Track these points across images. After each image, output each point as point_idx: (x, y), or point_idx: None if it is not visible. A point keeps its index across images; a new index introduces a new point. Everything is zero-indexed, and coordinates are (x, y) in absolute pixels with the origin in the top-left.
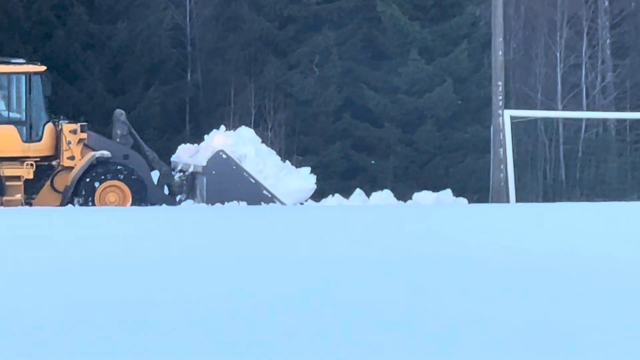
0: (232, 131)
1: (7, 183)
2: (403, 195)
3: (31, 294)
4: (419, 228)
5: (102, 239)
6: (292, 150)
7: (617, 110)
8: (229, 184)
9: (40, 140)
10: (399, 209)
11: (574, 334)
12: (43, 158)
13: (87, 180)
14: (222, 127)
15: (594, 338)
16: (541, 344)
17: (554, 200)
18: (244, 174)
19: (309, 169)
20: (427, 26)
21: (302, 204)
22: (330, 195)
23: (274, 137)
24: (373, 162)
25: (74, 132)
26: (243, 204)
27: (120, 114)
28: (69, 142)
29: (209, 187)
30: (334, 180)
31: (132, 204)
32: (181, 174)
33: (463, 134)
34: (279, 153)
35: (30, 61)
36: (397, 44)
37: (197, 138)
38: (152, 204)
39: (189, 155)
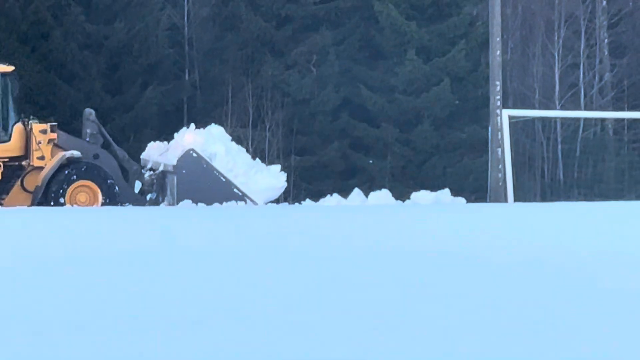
0: (202, 129)
1: None
2: (401, 194)
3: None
4: (417, 227)
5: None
6: (289, 150)
7: (615, 109)
8: (200, 183)
9: (8, 140)
10: (397, 208)
11: (571, 332)
12: (12, 158)
13: (58, 180)
14: (192, 125)
15: (592, 337)
16: (539, 343)
17: (551, 200)
18: (215, 172)
19: (279, 166)
20: (424, 26)
21: (273, 202)
22: (329, 195)
23: (272, 137)
24: (371, 161)
25: (44, 132)
26: (217, 203)
27: (89, 113)
28: (39, 142)
29: (180, 186)
30: (332, 179)
31: (103, 204)
32: (151, 172)
33: (460, 133)
34: (277, 153)
35: None
36: (394, 44)
37: None
38: (122, 204)
39: (158, 154)
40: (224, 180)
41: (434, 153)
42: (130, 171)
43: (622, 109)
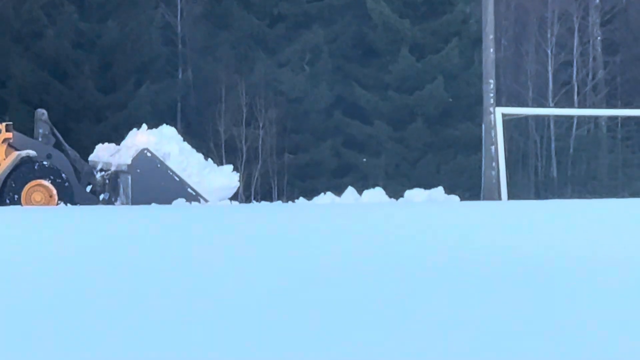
0: (154, 129)
1: None
2: (395, 192)
3: None
4: (410, 226)
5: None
6: (283, 148)
7: (608, 107)
8: (154, 182)
9: None
10: (391, 206)
11: (565, 330)
12: None
13: (13, 179)
14: (144, 126)
15: (586, 335)
16: (533, 342)
17: (545, 198)
18: (169, 172)
19: (231, 166)
20: (417, 23)
21: (228, 200)
22: (322, 193)
23: (265, 135)
24: (364, 159)
25: None
26: (170, 203)
27: (42, 113)
28: None
29: (134, 186)
30: (326, 178)
31: (58, 204)
32: (103, 172)
33: (454, 131)
34: (270, 151)
35: None
36: (387, 42)
37: (188, 136)
38: (76, 204)
39: (109, 154)
40: (177, 179)
41: (428, 151)
42: (82, 171)
43: (615, 107)
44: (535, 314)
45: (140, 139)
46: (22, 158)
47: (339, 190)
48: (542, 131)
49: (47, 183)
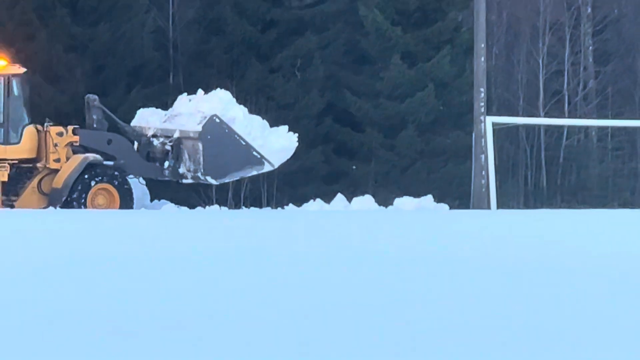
0: (209, 94)
1: None
2: (384, 200)
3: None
4: (399, 233)
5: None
6: None
7: (599, 117)
8: (222, 148)
9: (18, 142)
10: (380, 214)
11: (551, 340)
12: (23, 160)
13: (81, 182)
14: (200, 91)
15: (572, 346)
16: (519, 351)
17: (534, 207)
18: (235, 136)
19: (286, 127)
20: (409, 31)
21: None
22: (312, 200)
23: None
24: (354, 166)
25: (60, 134)
26: (239, 169)
27: (93, 99)
28: (56, 145)
29: (206, 152)
30: (315, 184)
31: (120, 207)
32: (162, 139)
33: (444, 139)
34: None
35: (11, 63)
36: (379, 49)
37: None
38: (142, 177)
39: (161, 120)
40: (244, 143)
41: (418, 159)
42: (140, 143)
43: (606, 117)
44: (521, 321)
45: (207, 104)
46: (90, 162)
47: (328, 197)
48: (533, 140)
49: (110, 186)
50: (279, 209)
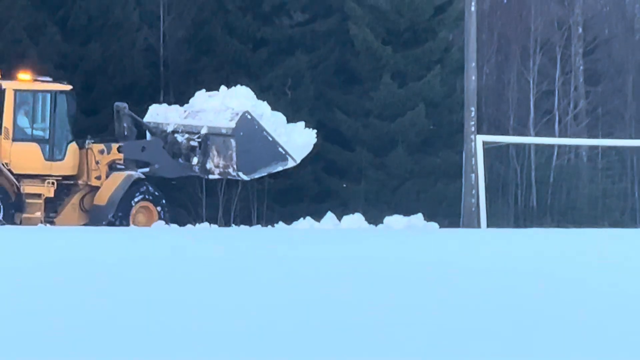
0: (230, 90)
1: (27, 200)
2: (374, 219)
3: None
4: (388, 252)
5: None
6: None
7: (589, 137)
8: (252, 144)
9: (63, 159)
10: (370, 232)
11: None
12: (65, 177)
13: (125, 200)
14: (223, 87)
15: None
16: None
17: (524, 226)
18: (264, 132)
19: (303, 123)
20: (399, 50)
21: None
22: (302, 218)
23: None
24: (344, 185)
25: (102, 152)
26: (266, 165)
27: (123, 107)
28: (97, 162)
29: (239, 148)
30: (305, 203)
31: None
32: (188, 135)
33: (435, 158)
34: None
35: (56, 80)
36: (369, 68)
37: None
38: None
39: (181, 117)
40: (271, 139)
41: (408, 178)
42: (168, 142)
43: (596, 136)
44: (511, 341)
45: (233, 101)
46: (135, 180)
47: (318, 216)
48: (523, 160)
49: (150, 204)
50: (269, 227)
